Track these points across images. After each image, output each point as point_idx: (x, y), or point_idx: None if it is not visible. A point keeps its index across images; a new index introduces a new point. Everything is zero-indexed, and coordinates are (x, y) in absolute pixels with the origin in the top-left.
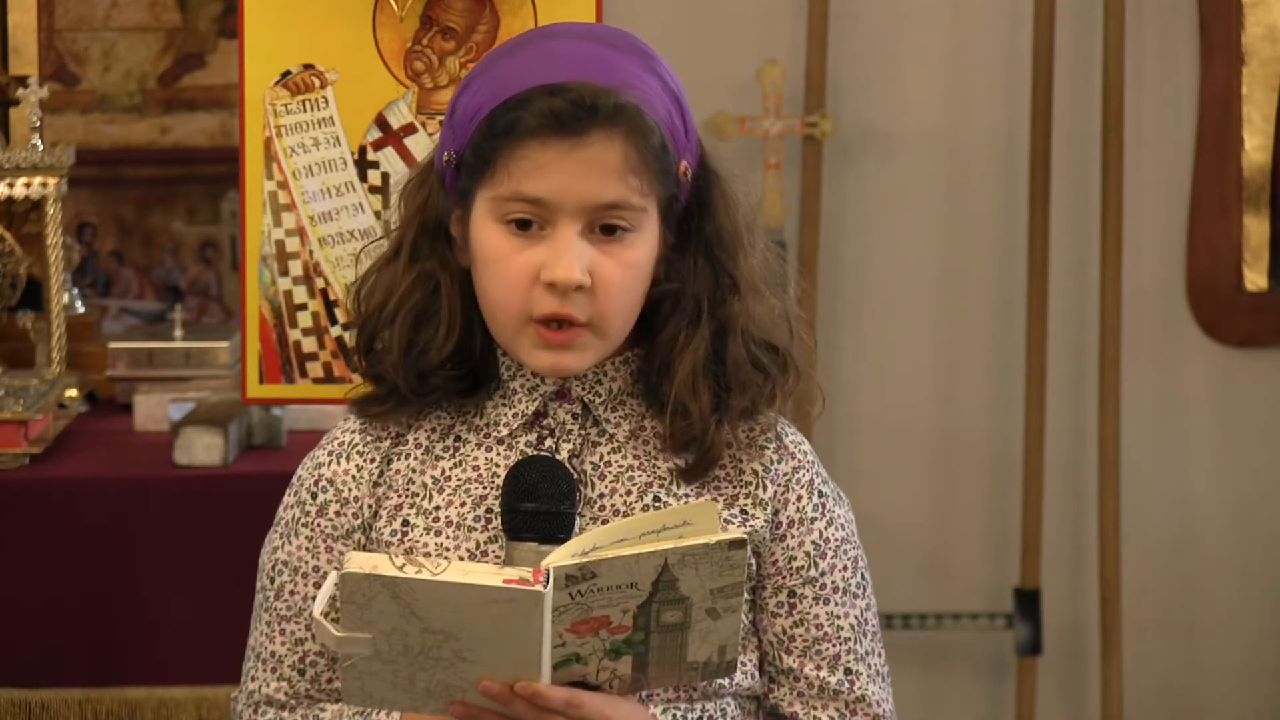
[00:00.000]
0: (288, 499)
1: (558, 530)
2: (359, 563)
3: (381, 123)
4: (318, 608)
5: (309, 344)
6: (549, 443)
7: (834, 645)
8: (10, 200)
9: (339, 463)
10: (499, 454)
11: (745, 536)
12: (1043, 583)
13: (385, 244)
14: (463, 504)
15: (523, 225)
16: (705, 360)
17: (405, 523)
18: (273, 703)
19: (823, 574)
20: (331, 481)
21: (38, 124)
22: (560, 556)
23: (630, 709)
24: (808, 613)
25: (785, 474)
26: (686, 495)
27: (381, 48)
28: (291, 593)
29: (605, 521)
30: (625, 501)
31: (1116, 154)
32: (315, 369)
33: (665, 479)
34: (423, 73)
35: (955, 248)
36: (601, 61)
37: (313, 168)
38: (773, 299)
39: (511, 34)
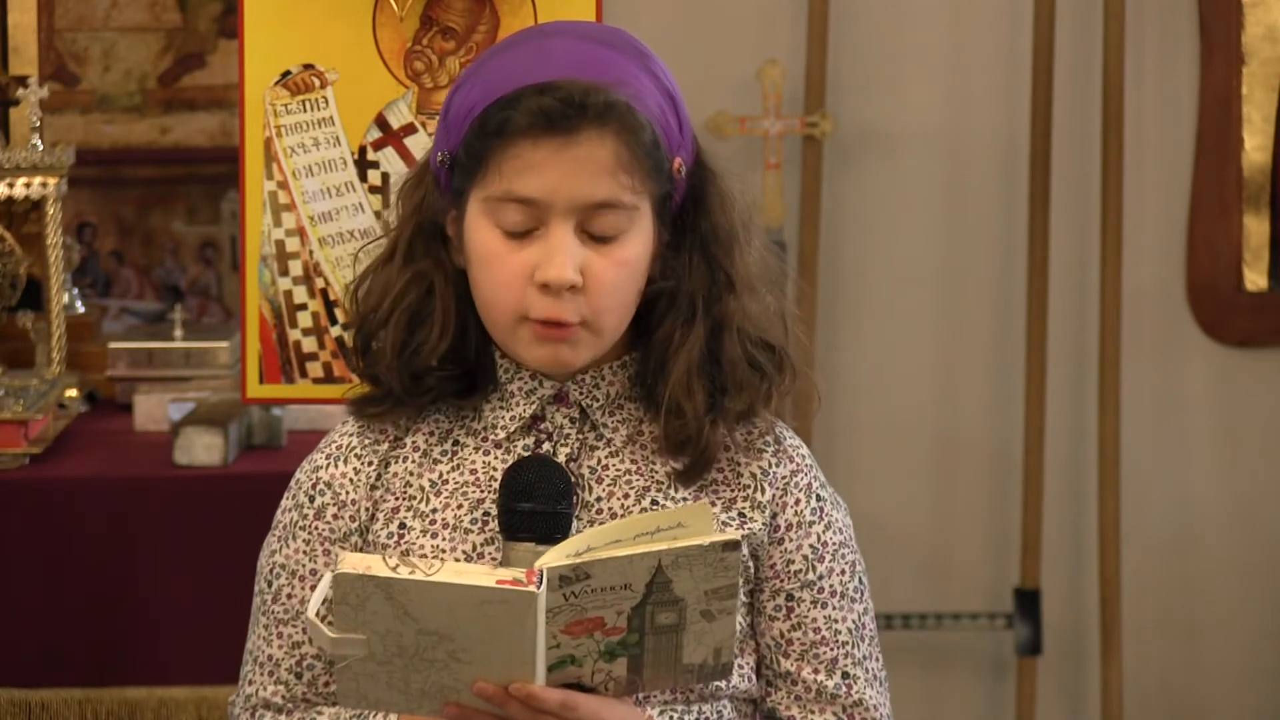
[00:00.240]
0: (285, 502)
1: (555, 530)
2: (353, 564)
3: (381, 123)
4: (312, 609)
5: (309, 344)
6: (546, 446)
7: (831, 649)
8: (10, 200)
9: (336, 466)
10: (496, 457)
11: (739, 538)
12: (1043, 583)
13: (383, 244)
14: (460, 507)
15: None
16: (700, 359)
17: (402, 525)
18: (270, 706)
19: (820, 578)
20: (329, 485)
21: (38, 124)
22: (554, 557)
23: (626, 711)
24: (805, 616)
25: (784, 477)
26: (684, 499)
27: (381, 48)
28: (289, 596)
29: None
30: (623, 505)
31: (1116, 154)
32: (315, 369)
33: (663, 483)
34: (423, 73)
35: (955, 248)
36: (594, 59)
37: (313, 168)
38: (769, 297)
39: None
